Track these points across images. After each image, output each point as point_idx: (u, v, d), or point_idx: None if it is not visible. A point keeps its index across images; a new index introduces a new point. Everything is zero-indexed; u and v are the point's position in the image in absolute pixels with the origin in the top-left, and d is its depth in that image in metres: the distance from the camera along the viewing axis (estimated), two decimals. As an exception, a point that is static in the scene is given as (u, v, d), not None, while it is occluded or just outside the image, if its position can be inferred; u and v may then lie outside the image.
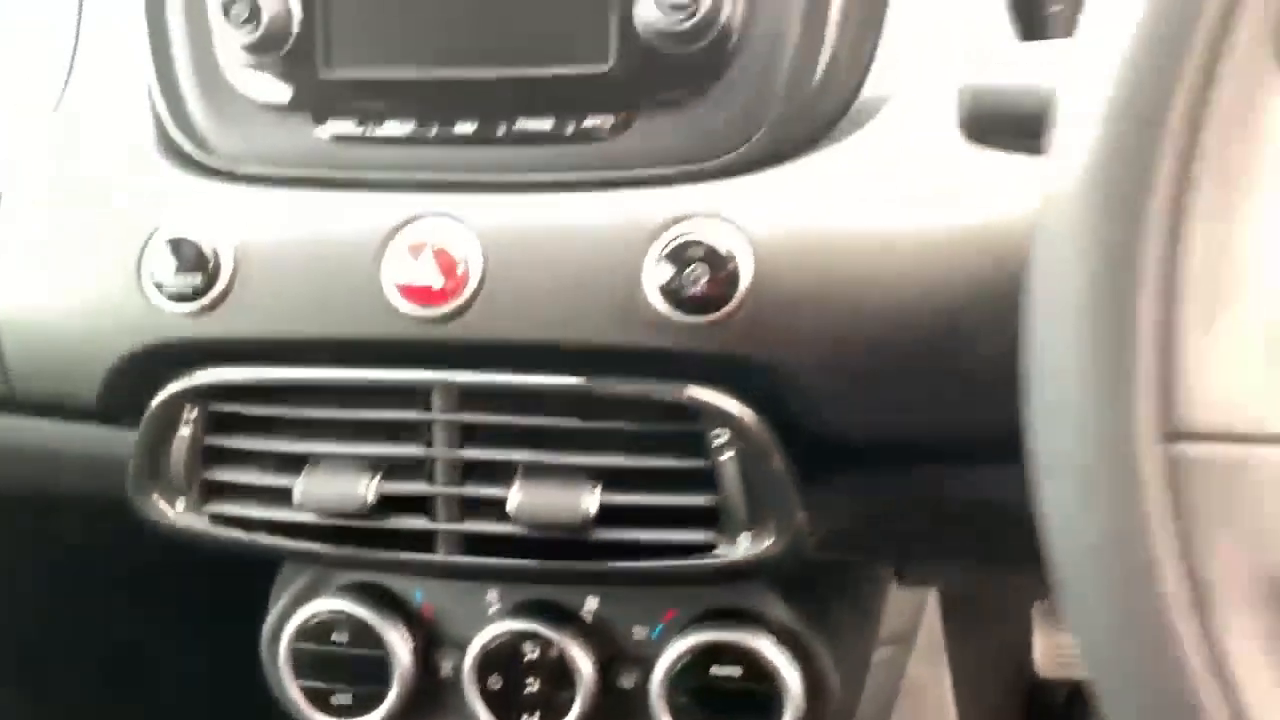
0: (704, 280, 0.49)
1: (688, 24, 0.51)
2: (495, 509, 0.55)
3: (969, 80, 0.42)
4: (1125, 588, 0.29)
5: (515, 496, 0.54)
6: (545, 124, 0.54)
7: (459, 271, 0.52)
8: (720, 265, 0.49)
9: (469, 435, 0.55)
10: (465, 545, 0.56)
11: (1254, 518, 0.28)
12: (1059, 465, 0.30)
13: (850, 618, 0.71)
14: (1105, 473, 0.28)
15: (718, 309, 0.49)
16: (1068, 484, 0.29)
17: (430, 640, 0.66)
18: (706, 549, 0.54)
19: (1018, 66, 0.42)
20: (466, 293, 0.52)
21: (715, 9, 0.51)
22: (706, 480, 0.53)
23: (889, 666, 0.97)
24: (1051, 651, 1.14)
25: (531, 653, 0.63)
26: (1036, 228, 0.31)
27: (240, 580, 0.68)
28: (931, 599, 1.04)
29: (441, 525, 0.56)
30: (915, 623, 1.02)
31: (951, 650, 1.07)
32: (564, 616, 0.64)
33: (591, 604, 0.65)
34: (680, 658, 0.61)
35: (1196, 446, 0.28)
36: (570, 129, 0.54)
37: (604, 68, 0.53)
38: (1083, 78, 0.30)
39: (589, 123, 0.54)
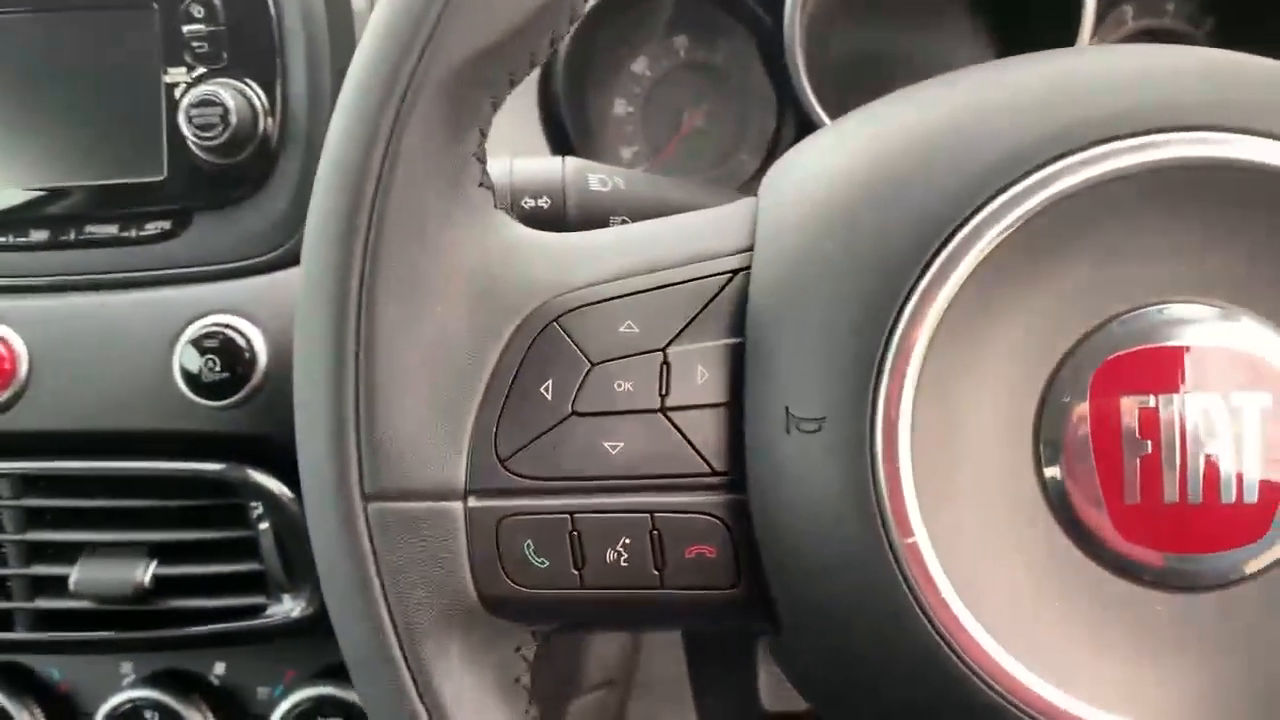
0: (221, 369, 0.55)
1: (220, 140, 0.57)
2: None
3: None
4: (356, 621, 0.35)
5: (75, 573, 0.58)
6: (111, 229, 0.60)
7: (6, 368, 0.57)
8: (237, 355, 0.55)
9: (37, 519, 0.60)
10: (43, 622, 0.60)
11: (434, 559, 0.35)
12: (312, 519, 0.36)
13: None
14: (332, 527, 0.35)
15: (235, 394, 0.55)
16: (318, 534, 0.35)
17: (64, 715, 0.70)
18: (259, 610, 0.59)
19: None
20: (14, 388, 0.57)
21: (248, 124, 0.58)
22: (253, 549, 0.58)
23: (598, 710, 1.02)
24: (774, 685, 1.21)
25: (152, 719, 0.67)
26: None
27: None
28: (668, 640, 1.09)
29: (16, 604, 0.60)
30: (629, 666, 1.08)
31: (696, 691, 1.13)
32: (192, 683, 0.69)
33: (219, 669, 0.70)
34: (288, 713, 0.66)
35: (390, 504, 0.34)
36: (133, 233, 0.60)
37: (159, 178, 0.59)
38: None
39: (149, 227, 0.60)
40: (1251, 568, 0.31)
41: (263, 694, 0.70)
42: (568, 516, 0.35)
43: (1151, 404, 0.31)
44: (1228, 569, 0.31)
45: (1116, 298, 0.32)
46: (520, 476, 0.35)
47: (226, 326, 0.56)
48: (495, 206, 0.38)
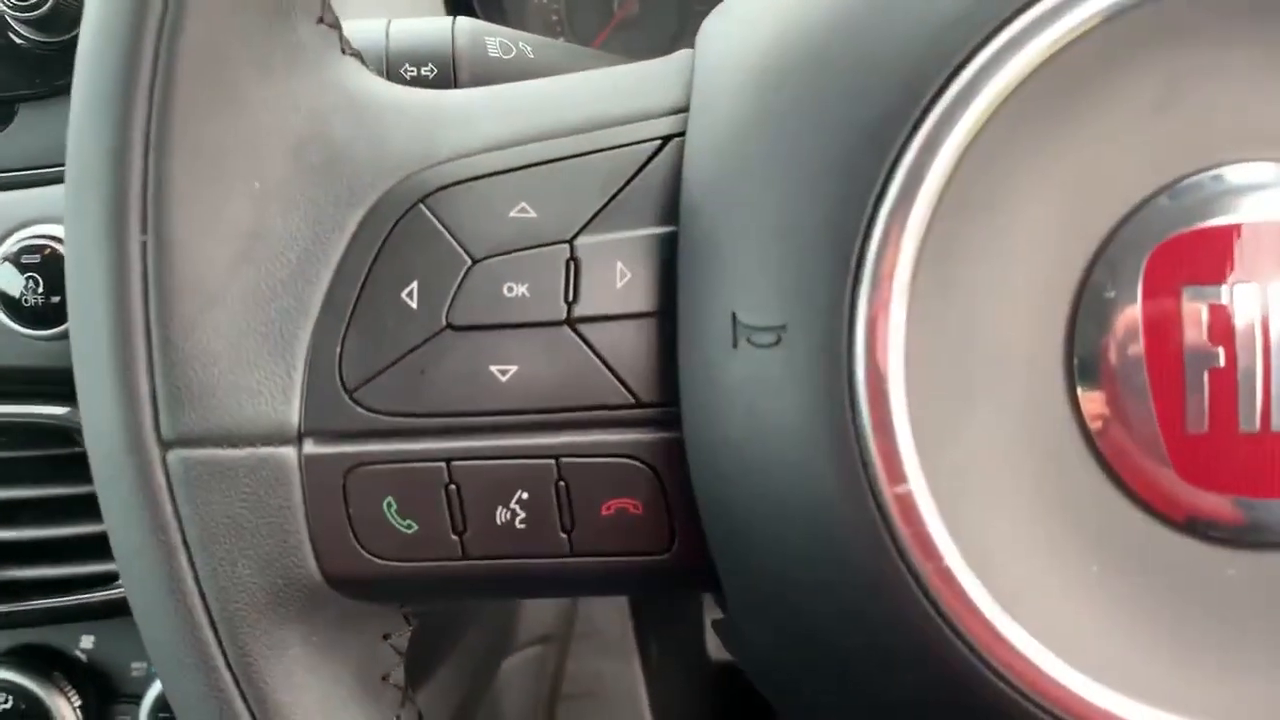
0: (45, 290, 0.45)
1: (40, 12, 0.47)
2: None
3: None
4: (158, 611, 0.26)
5: (-117, 541, 0.49)
6: (-86, 127, 0.50)
7: None
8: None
9: None
10: None
11: (260, 524, 0.26)
12: (98, 476, 0.27)
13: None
14: (121, 484, 0.26)
15: (64, 321, 0.45)
16: (105, 495, 0.26)
17: (-94, 701, 0.61)
18: (113, 578, 0.50)
19: None
20: None
21: (75, -7, 0.47)
22: (102, 507, 0.49)
23: (535, 667, 0.97)
24: (720, 634, 1.16)
25: (5, 703, 0.59)
26: None
27: None
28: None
29: None
30: (568, 618, 1.02)
31: (641, 642, 1.07)
32: (55, 660, 0.60)
33: (87, 643, 0.61)
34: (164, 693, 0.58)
35: (197, 452, 0.25)
36: (-60, 129, 0.49)
37: (-30, 61, 0.49)
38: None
39: (-39, 122, 0.49)
40: None
41: (137, 670, 0.62)
42: (443, 465, 0.26)
43: (1224, 299, 0.23)
44: None
45: (1178, 156, 0.24)
46: (375, 413, 0.26)
47: (54, 239, 0.46)
48: (344, 52, 0.29)
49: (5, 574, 0.50)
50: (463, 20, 0.39)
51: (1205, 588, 0.24)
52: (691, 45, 0.45)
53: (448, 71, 0.38)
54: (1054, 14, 0.22)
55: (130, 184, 0.25)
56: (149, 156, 0.25)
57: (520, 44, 0.40)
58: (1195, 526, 0.24)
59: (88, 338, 0.25)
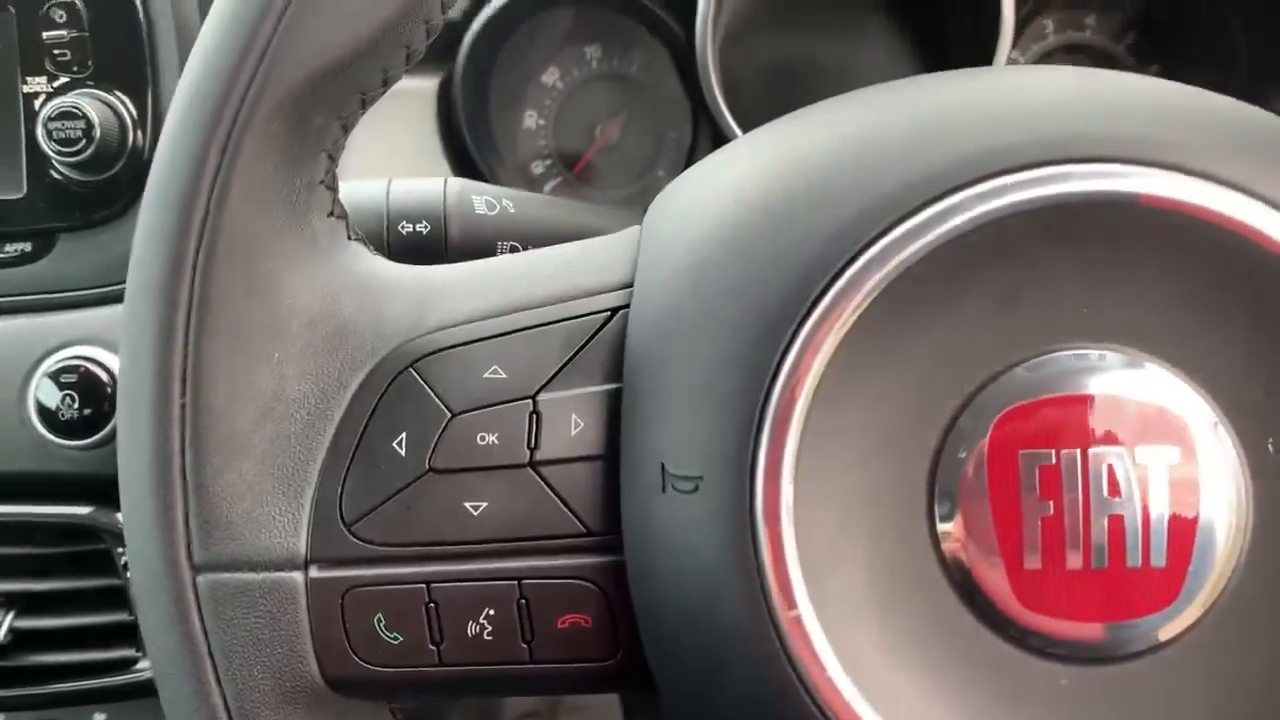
0: (79, 405, 0.51)
1: (84, 156, 0.53)
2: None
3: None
4: (185, 707, 0.31)
5: (-79, 628, 0.53)
6: (-33, 252, 0.55)
7: None
8: (98, 391, 0.51)
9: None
10: (-109, 680, 0.56)
11: (272, 636, 0.31)
12: (138, 591, 0.32)
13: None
14: (159, 600, 0.31)
15: (95, 432, 0.51)
16: (144, 607, 0.32)
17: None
18: (129, 664, 0.55)
19: None
20: None
21: (115, 138, 0.53)
22: (121, 598, 0.54)
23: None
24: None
25: (20, 779, 0.62)
26: None
27: None
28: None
29: None
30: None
31: (627, 713, 1.10)
32: (68, 737, 0.64)
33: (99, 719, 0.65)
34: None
35: (222, 575, 0.31)
36: (-9, 256, 0.55)
37: (18, 196, 0.55)
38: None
39: (8, 249, 0.55)
40: (1164, 635, 0.29)
41: (146, 746, 0.66)
42: (423, 586, 0.32)
43: (1053, 461, 0.29)
44: (1138, 638, 0.29)
45: (1016, 344, 0.29)
46: (368, 543, 0.32)
47: (87, 360, 0.52)
48: (350, 238, 0.34)
49: (36, 659, 0.55)
50: (453, 181, 0.46)
51: (1044, 696, 0.29)
52: (666, 171, 0.50)
53: (439, 227, 0.44)
54: (909, 237, 0.28)
55: (174, 359, 0.30)
56: (189, 336, 0.30)
57: (503, 201, 0.46)
58: (1033, 645, 0.29)
59: (135, 481, 0.31)
